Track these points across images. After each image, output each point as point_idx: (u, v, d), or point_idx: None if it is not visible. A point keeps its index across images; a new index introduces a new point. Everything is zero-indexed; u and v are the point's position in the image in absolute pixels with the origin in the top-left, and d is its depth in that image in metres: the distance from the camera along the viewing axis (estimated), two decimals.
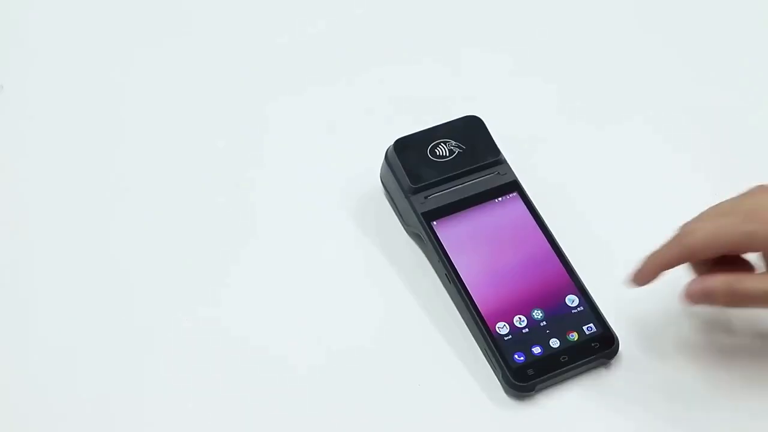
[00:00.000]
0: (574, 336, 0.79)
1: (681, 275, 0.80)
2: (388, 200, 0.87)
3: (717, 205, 0.75)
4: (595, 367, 0.79)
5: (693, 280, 0.74)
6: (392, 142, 0.85)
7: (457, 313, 0.81)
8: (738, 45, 0.99)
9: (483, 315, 0.79)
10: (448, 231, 0.82)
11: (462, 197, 0.84)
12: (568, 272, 0.81)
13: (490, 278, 0.81)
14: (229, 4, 1.02)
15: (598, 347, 0.79)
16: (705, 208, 0.76)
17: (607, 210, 0.87)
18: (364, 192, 0.88)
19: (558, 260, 0.82)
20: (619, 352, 0.79)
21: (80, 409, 0.78)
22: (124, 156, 0.92)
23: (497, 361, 0.78)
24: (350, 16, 1.02)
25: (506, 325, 0.79)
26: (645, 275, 0.75)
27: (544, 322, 0.79)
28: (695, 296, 0.74)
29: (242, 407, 0.78)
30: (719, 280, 0.73)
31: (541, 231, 0.83)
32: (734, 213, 0.73)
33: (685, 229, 0.74)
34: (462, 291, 0.80)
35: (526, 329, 0.79)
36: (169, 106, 0.95)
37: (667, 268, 0.75)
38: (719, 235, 0.73)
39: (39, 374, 0.79)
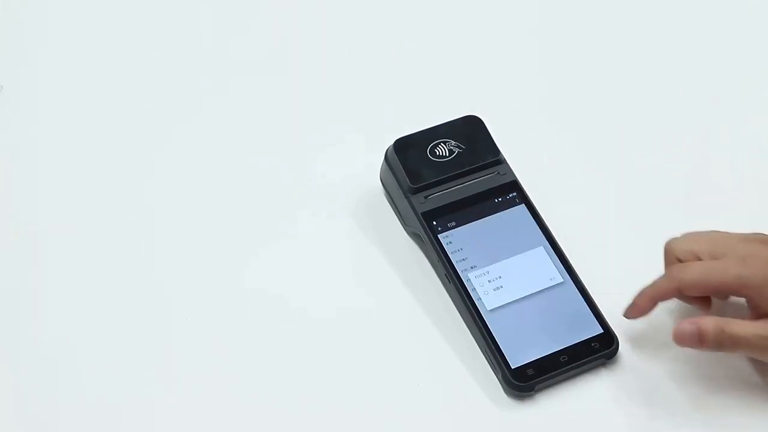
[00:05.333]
0: (573, 336, 0.79)
1: None
2: (388, 200, 0.87)
3: (712, 236, 0.77)
4: (595, 367, 0.79)
5: (684, 321, 0.75)
6: (392, 142, 0.85)
7: (457, 313, 0.81)
8: (733, 64, 0.99)
9: (482, 315, 0.79)
10: (447, 231, 0.82)
11: (462, 197, 0.84)
12: (567, 272, 0.81)
13: (489, 278, 0.81)
14: (232, 6, 1.02)
15: (598, 347, 0.78)
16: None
17: (607, 210, 0.87)
18: (364, 192, 0.88)
19: (558, 260, 0.82)
20: (619, 352, 0.79)
21: (85, 405, 0.78)
22: (125, 155, 0.92)
23: (497, 361, 0.78)
24: (349, 15, 1.01)
25: (506, 325, 0.79)
26: (641, 309, 0.78)
27: (544, 322, 0.79)
28: (686, 337, 0.74)
29: (241, 408, 0.78)
30: (710, 323, 0.74)
31: (540, 231, 0.83)
32: (729, 255, 0.75)
33: (679, 266, 0.76)
34: (461, 291, 0.80)
35: (526, 329, 0.79)
36: (169, 105, 0.95)
37: (661, 301, 0.77)
38: (711, 276, 0.75)
39: (44, 371, 0.79)
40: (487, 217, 0.84)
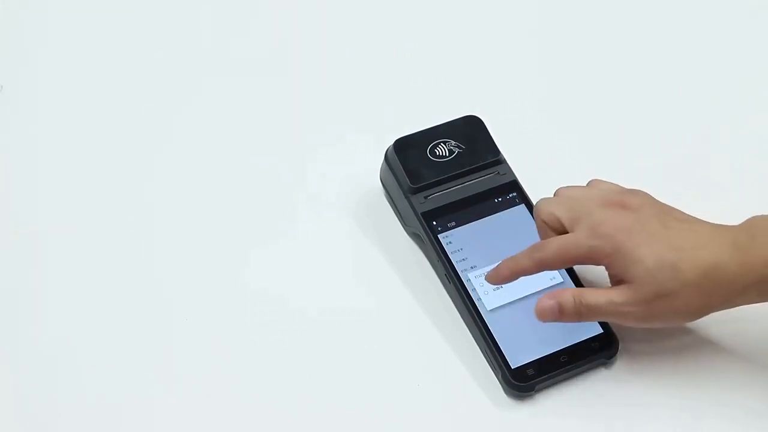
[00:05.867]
0: (573, 336, 0.79)
1: None
2: (388, 200, 0.87)
3: (574, 199, 0.78)
4: (595, 367, 0.79)
5: (544, 296, 0.76)
6: (392, 142, 0.85)
7: (457, 313, 0.81)
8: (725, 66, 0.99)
9: (482, 315, 0.79)
10: (447, 231, 0.82)
11: (462, 197, 0.84)
12: (567, 271, 0.81)
13: None
14: (232, 6, 1.02)
15: (598, 347, 0.79)
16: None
17: None
18: (364, 192, 0.88)
19: None
20: (618, 352, 0.79)
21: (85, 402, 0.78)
22: (125, 155, 0.92)
23: (497, 361, 0.78)
24: (349, 15, 1.01)
25: (506, 325, 0.79)
26: (502, 279, 0.78)
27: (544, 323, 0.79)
28: (547, 312, 0.75)
29: (241, 408, 0.78)
30: (568, 297, 0.75)
31: None
32: (584, 222, 0.75)
33: (536, 246, 0.77)
34: (461, 291, 0.80)
35: (526, 329, 0.79)
36: (169, 104, 0.95)
37: (522, 276, 0.77)
38: (567, 253, 0.75)
39: (44, 371, 0.79)
40: (487, 217, 0.84)
